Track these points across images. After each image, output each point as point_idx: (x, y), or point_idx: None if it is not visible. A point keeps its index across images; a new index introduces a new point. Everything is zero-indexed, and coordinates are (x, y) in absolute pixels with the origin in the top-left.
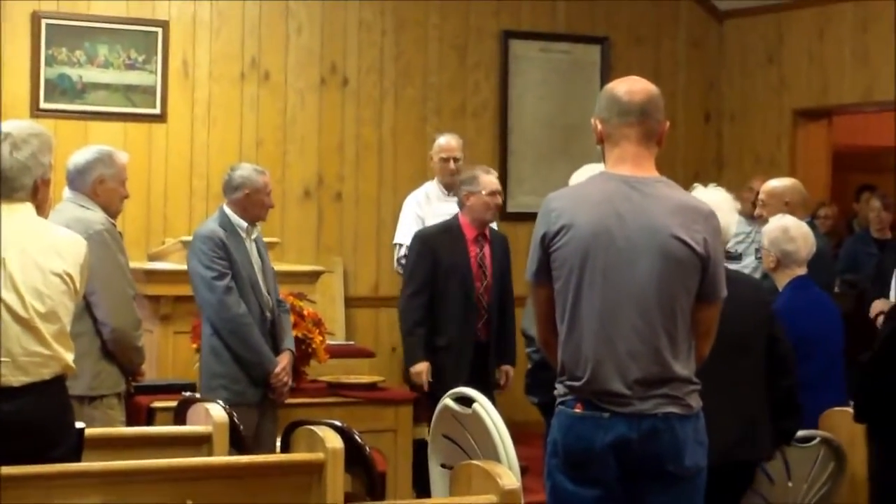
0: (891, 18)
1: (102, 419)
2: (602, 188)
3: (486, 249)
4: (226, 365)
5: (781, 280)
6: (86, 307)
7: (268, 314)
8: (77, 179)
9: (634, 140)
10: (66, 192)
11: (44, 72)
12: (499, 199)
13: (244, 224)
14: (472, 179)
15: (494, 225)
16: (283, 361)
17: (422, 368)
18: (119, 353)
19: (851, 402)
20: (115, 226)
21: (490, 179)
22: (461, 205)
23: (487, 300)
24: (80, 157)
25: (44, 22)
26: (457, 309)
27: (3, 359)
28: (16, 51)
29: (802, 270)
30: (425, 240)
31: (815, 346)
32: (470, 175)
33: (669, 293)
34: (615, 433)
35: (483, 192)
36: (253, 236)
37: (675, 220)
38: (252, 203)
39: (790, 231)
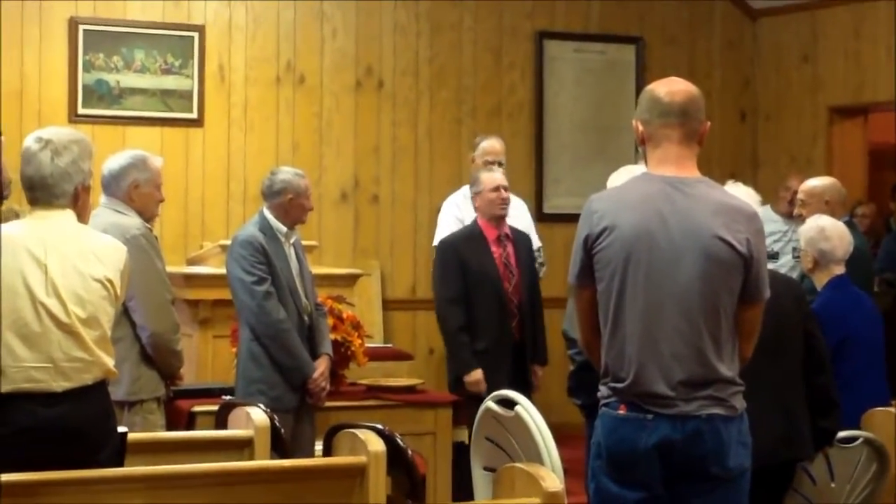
0: None
1: (142, 424)
2: (644, 189)
3: (510, 248)
4: (264, 370)
5: (820, 280)
6: (124, 312)
7: (306, 318)
8: (112, 185)
9: (676, 141)
10: (102, 198)
11: (81, 77)
12: (504, 193)
13: (283, 228)
14: (475, 181)
15: (522, 226)
16: (322, 366)
17: (479, 376)
18: (158, 357)
19: (893, 402)
20: (151, 230)
21: (490, 176)
22: (475, 209)
23: (518, 300)
24: (114, 162)
25: (81, 28)
26: (491, 312)
27: (45, 364)
28: (53, 57)
29: (840, 270)
30: (450, 247)
31: (855, 345)
32: (473, 178)
33: (712, 294)
34: (659, 435)
35: (486, 190)
36: (292, 240)
37: (717, 221)
38: (293, 207)
39: (826, 230)
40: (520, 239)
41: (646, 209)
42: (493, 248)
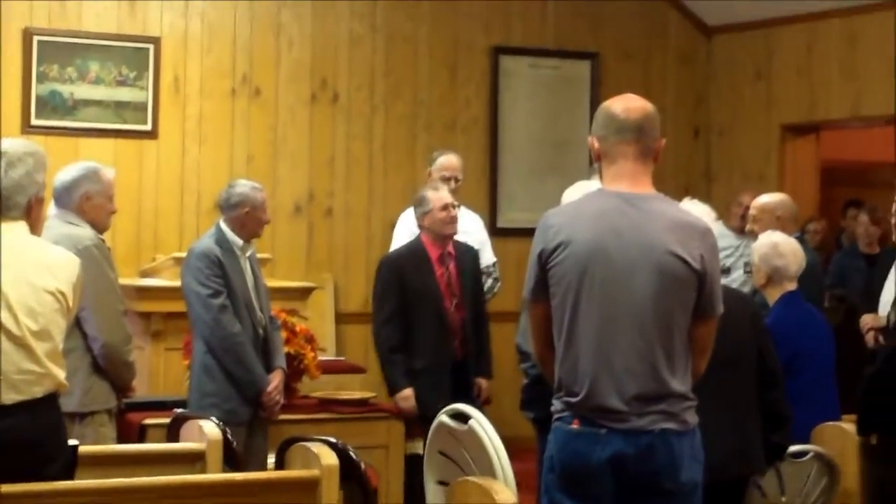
0: (878, 34)
1: (93, 436)
2: (599, 205)
3: (453, 267)
4: (217, 383)
5: (772, 296)
6: (76, 322)
7: (260, 332)
8: (64, 196)
9: (631, 157)
10: (53, 210)
11: (35, 88)
12: (453, 211)
13: (240, 241)
14: (422, 200)
15: (468, 239)
16: (276, 380)
17: (407, 394)
18: (110, 368)
19: (843, 417)
20: (103, 241)
21: (438, 195)
22: (420, 227)
23: (461, 318)
24: (66, 174)
25: (35, 38)
26: (431, 331)
27: None
28: (7, 67)
29: (793, 286)
30: (392, 265)
31: (806, 360)
32: (418, 197)
33: (666, 309)
34: (612, 449)
35: (436, 209)
36: (248, 253)
37: (671, 237)
38: (250, 220)
39: (780, 247)
40: (463, 255)
41: (601, 225)
42: (436, 267)
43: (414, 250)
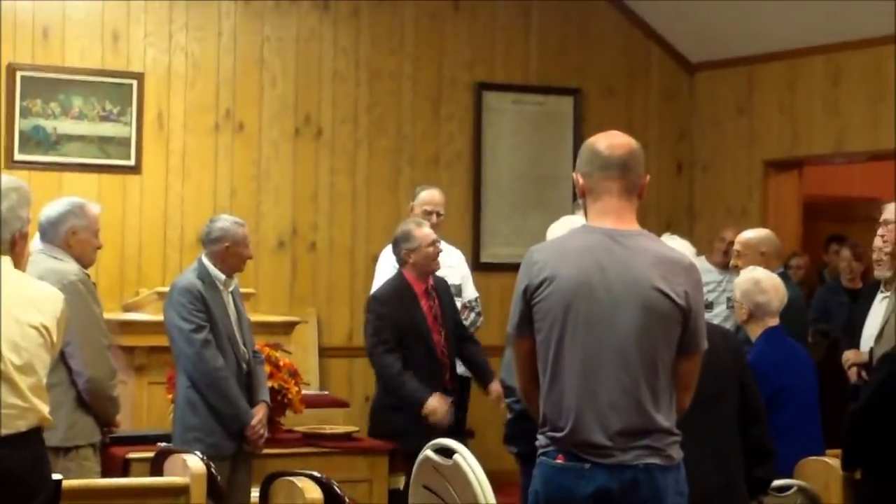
0: (860, 70)
1: (78, 470)
2: (584, 241)
3: (437, 300)
4: (201, 417)
5: (754, 331)
6: (60, 357)
7: (244, 366)
8: (50, 231)
9: (616, 194)
10: (38, 244)
11: (18, 123)
12: (439, 247)
13: (222, 276)
14: (408, 236)
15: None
16: (259, 414)
17: (436, 402)
18: (94, 403)
19: (826, 452)
20: (88, 276)
21: (424, 232)
22: (403, 263)
23: (448, 350)
24: (52, 209)
25: (18, 74)
26: (423, 367)
27: None
28: None
29: (775, 321)
30: (384, 302)
31: (789, 396)
32: (403, 233)
33: (651, 345)
34: (596, 484)
35: (424, 246)
36: (230, 288)
37: (656, 273)
38: (231, 255)
39: (761, 283)
40: (441, 287)
41: (585, 261)
42: (423, 302)
43: (399, 287)
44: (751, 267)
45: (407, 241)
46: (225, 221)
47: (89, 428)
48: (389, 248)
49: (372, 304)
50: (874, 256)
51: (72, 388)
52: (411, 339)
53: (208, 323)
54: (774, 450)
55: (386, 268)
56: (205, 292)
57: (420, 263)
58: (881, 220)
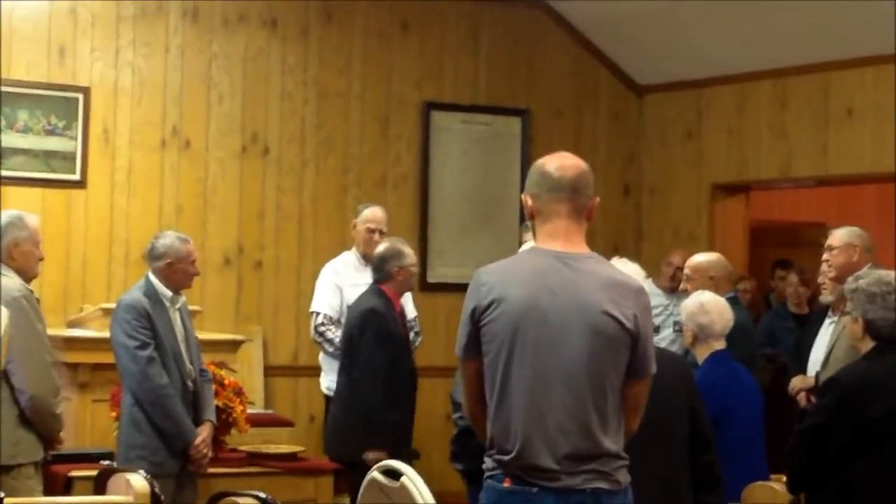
0: (808, 95)
1: (21, 489)
2: (533, 263)
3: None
4: (145, 436)
5: (701, 354)
6: (3, 375)
7: (189, 384)
8: None
9: (565, 216)
10: None
11: None
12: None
13: (168, 293)
14: (400, 253)
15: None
16: (204, 433)
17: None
18: (37, 420)
19: (772, 476)
20: (32, 292)
21: (411, 251)
22: (387, 278)
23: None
24: None
25: None
26: (404, 383)
27: None
28: None
29: (720, 344)
30: (381, 317)
31: (733, 418)
32: (395, 249)
33: (599, 369)
34: None
35: (411, 264)
36: (177, 305)
37: (605, 296)
38: (175, 272)
39: (706, 305)
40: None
41: (534, 283)
42: (401, 319)
43: (387, 303)
44: (699, 290)
45: (399, 259)
46: (168, 238)
47: (32, 446)
48: (329, 265)
49: (368, 317)
50: (819, 280)
51: (14, 406)
52: (400, 355)
53: (153, 340)
54: (722, 477)
55: (326, 285)
56: (150, 309)
57: (406, 281)
58: (826, 245)
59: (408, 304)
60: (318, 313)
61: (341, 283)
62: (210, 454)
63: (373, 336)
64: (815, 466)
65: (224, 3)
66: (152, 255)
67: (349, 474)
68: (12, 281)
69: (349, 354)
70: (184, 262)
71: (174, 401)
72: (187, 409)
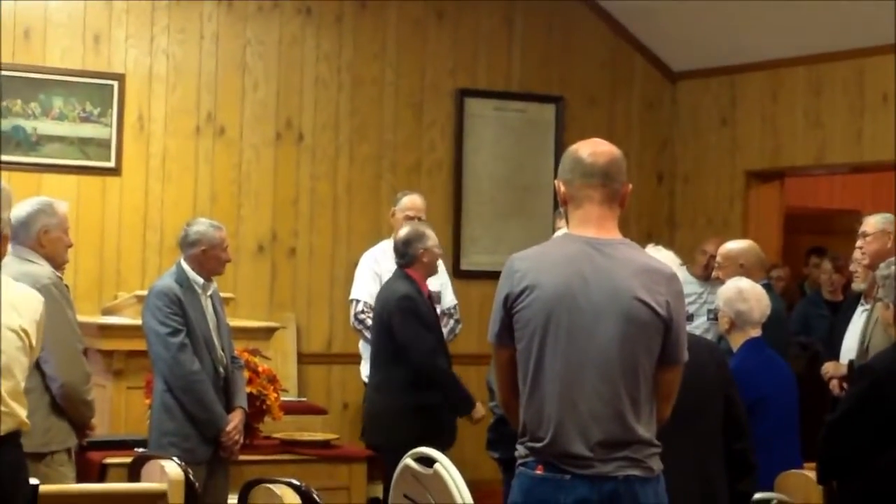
0: (843, 82)
1: (54, 476)
2: (565, 250)
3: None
4: (177, 422)
5: (736, 341)
6: (34, 362)
7: (221, 371)
8: (21, 233)
9: (597, 202)
10: (9, 247)
11: None
12: None
13: (200, 280)
14: (422, 235)
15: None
16: (235, 419)
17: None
18: (69, 407)
19: (805, 464)
20: (62, 279)
21: (433, 233)
22: (413, 261)
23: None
24: (20, 210)
25: None
26: (445, 365)
27: None
28: None
29: (756, 332)
30: (419, 302)
31: (768, 406)
32: (417, 231)
33: (632, 356)
34: (576, 495)
35: (434, 246)
36: (209, 292)
37: (637, 283)
38: (208, 258)
39: (744, 292)
40: None
41: (567, 269)
42: (429, 303)
43: (416, 287)
44: (737, 277)
45: (422, 240)
46: (201, 225)
47: (64, 433)
48: (368, 253)
49: (403, 303)
50: (852, 268)
51: (46, 393)
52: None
53: (185, 327)
54: (756, 464)
55: (365, 273)
56: (182, 296)
57: (431, 263)
58: (860, 232)
59: (447, 292)
60: (357, 301)
61: (380, 270)
62: (241, 441)
63: (416, 321)
64: (846, 455)
65: None
66: (185, 242)
67: (383, 461)
68: (42, 268)
69: (388, 340)
70: (216, 248)
71: (206, 387)
72: (219, 395)
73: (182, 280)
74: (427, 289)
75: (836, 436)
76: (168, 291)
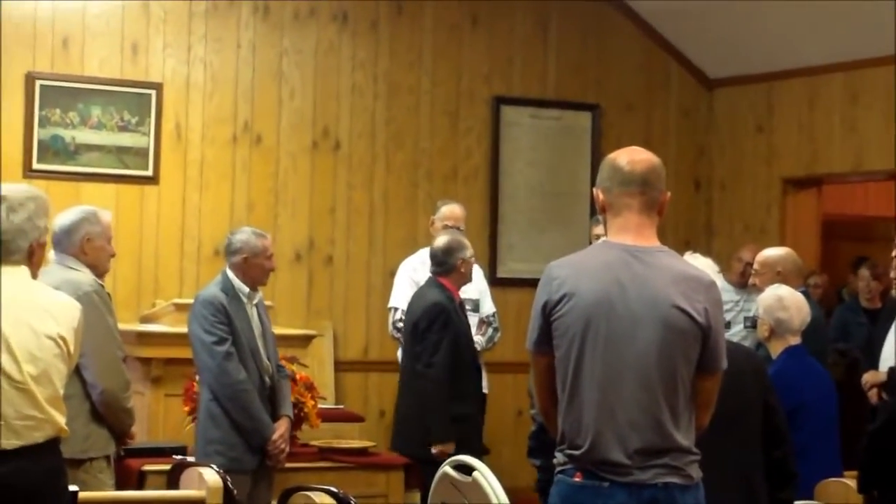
0: (880, 88)
1: (92, 483)
2: (604, 257)
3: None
4: (223, 430)
5: (775, 348)
6: (74, 369)
7: (267, 380)
8: (64, 240)
9: (636, 209)
10: (52, 255)
11: (37, 132)
12: None
13: (246, 289)
14: (463, 246)
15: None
16: (281, 428)
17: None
18: (109, 414)
19: (845, 473)
20: (103, 287)
21: (467, 242)
22: (451, 270)
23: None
24: (64, 218)
25: (38, 83)
26: (471, 377)
27: None
28: (9, 111)
29: (796, 339)
30: (450, 312)
31: (808, 414)
32: (459, 241)
33: (670, 363)
34: (614, 502)
35: (470, 256)
36: (255, 301)
37: (676, 290)
38: (250, 266)
39: (784, 300)
40: None
41: (605, 277)
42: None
43: (449, 297)
44: (776, 284)
45: (462, 251)
46: (244, 233)
47: (104, 440)
48: (407, 261)
49: (434, 313)
50: (892, 276)
51: (86, 401)
52: (464, 350)
53: (231, 336)
54: (797, 472)
55: (403, 281)
56: (228, 305)
57: (466, 273)
58: None
59: (486, 299)
60: (396, 308)
61: (419, 278)
62: (287, 450)
63: (436, 331)
64: (886, 464)
65: None
66: (229, 251)
67: (420, 469)
68: (84, 276)
69: (419, 348)
70: (259, 256)
71: (252, 396)
72: (265, 404)
73: (227, 289)
74: (460, 297)
75: (879, 445)
76: (213, 300)
